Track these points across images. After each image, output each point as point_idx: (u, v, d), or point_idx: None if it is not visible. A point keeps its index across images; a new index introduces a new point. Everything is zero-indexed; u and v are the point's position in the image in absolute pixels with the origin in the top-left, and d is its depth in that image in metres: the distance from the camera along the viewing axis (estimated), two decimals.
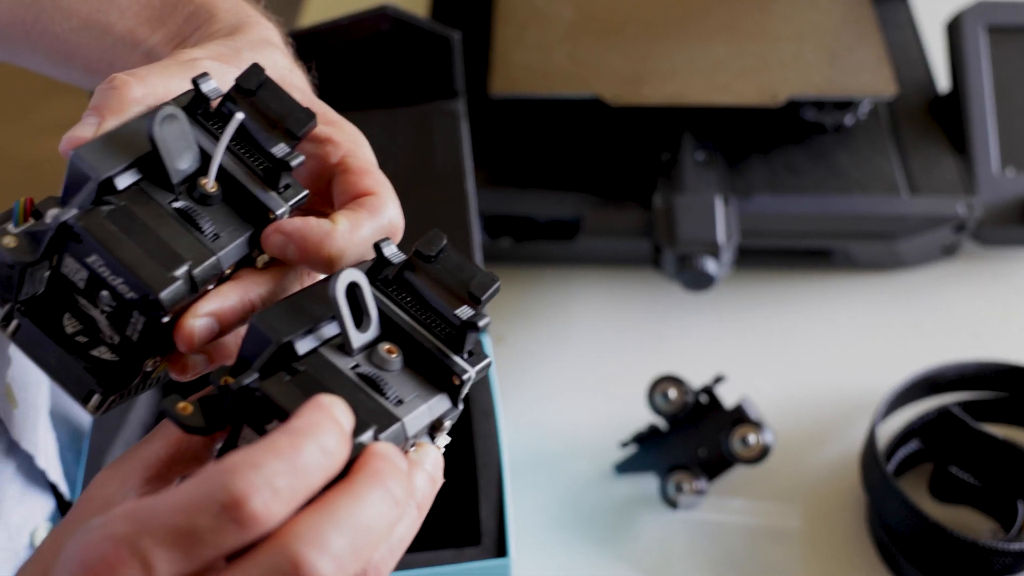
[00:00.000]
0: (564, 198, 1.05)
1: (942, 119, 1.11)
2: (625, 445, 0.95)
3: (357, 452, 0.46)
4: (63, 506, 0.87)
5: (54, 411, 0.88)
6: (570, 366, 1.04)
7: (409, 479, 0.49)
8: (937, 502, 0.93)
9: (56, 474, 0.83)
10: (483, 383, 0.87)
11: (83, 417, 0.94)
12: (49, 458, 0.82)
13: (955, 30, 1.12)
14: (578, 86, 1.05)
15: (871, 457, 0.89)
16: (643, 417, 0.95)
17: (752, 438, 0.89)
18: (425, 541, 0.82)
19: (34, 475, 0.80)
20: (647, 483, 0.95)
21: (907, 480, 0.94)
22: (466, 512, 0.83)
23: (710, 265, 0.97)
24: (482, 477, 0.83)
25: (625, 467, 0.95)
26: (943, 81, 1.15)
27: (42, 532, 0.82)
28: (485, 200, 1.02)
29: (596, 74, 1.06)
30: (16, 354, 0.77)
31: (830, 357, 1.04)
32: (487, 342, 0.92)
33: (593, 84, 1.05)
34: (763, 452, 0.90)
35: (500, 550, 0.79)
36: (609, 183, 1.06)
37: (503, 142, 1.09)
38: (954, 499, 0.92)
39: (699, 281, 0.98)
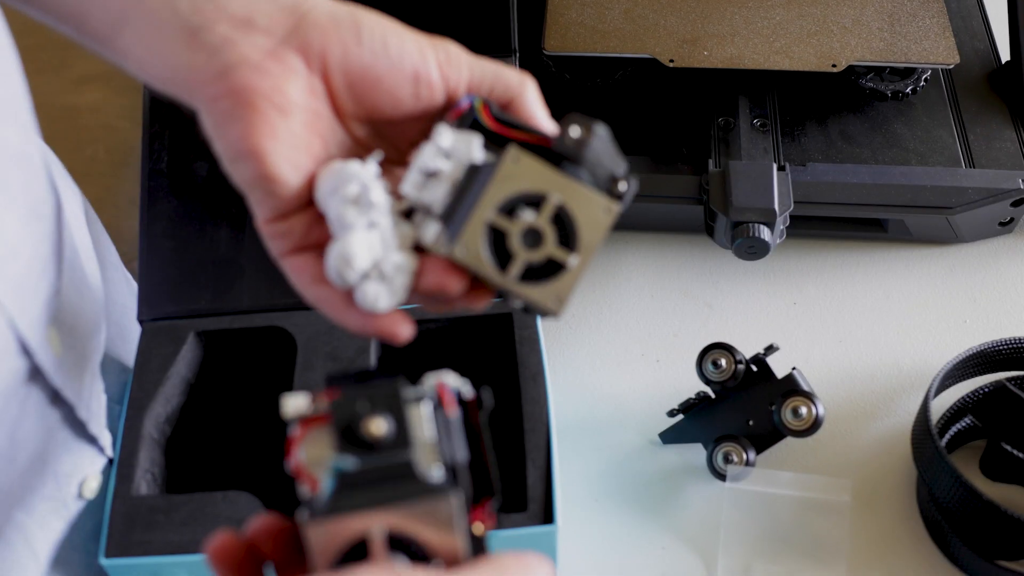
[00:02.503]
0: None
1: (1002, 90, 1.08)
2: (673, 414, 0.94)
3: None
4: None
5: (107, 360, 0.87)
6: (618, 332, 1.02)
7: None
8: (988, 479, 0.91)
9: (97, 426, 0.82)
10: (532, 345, 0.86)
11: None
12: (92, 410, 0.81)
13: None
14: (633, 47, 1.03)
15: (924, 432, 0.88)
16: (692, 386, 0.94)
17: (803, 410, 0.88)
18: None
19: (82, 426, 0.80)
20: (694, 453, 0.94)
21: (958, 456, 0.93)
22: (512, 477, 0.82)
23: (764, 233, 0.95)
24: (529, 442, 0.81)
25: (670, 436, 0.94)
26: (1004, 51, 1.12)
27: (92, 483, 0.82)
28: None
29: (652, 34, 1.04)
30: (68, 301, 0.76)
31: (883, 330, 1.02)
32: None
33: (649, 45, 1.03)
34: (814, 424, 0.88)
35: (547, 517, 0.78)
36: (662, 147, 1.04)
37: (554, 102, 1.07)
38: (1006, 477, 0.91)
39: (753, 250, 0.96)
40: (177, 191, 0.96)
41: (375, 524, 0.49)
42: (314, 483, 0.52)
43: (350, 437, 0.51)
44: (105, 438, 0.84)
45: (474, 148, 0.61)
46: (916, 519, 0.91)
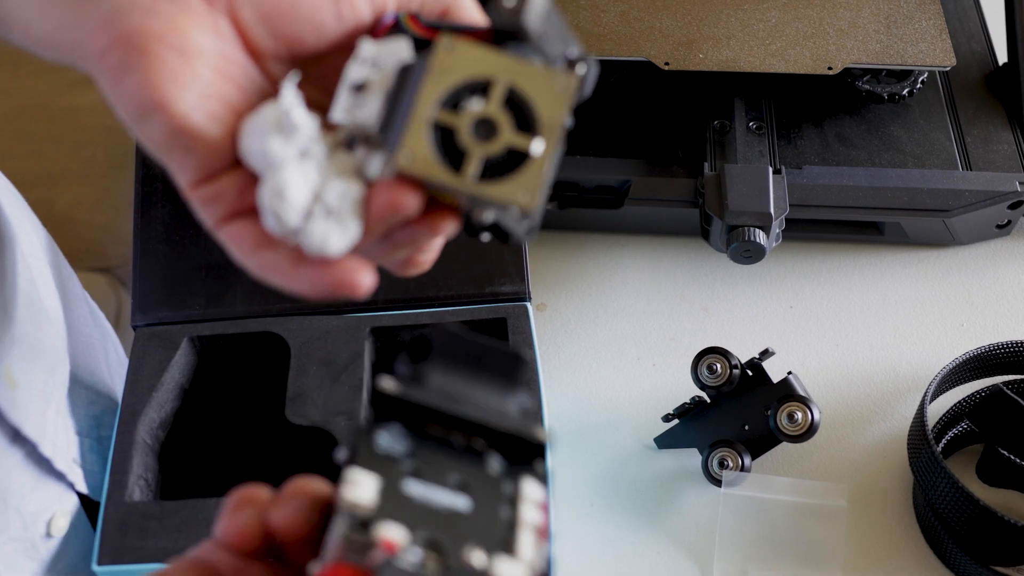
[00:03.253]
0: (611, 164, 1.03)
1: (1000, 92, 1.08)
2: (668, 419, 0.94)
3: None
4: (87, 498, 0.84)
5: (75, 393, 0.84)
6: (613, 336, 1.02)
7: None
8: (984, 484, 0.91)
9: (64, 463, 0.79)
10: (526, 351, 0.85)
11: (111, 392, 0.93)
12: (58, 446, 0.78)
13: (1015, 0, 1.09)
14: (629, 49, 1.03)
15: (920, 437, 0.88)
16: (687, 390, 0.93)
17: (799, 414, 0.88)
18: None
19: (47, 462, 0.77)
20: (690, 458, 0.93)
21: (955, 461, 0.93)
22: None
23: (760, 237, 0.95)
24: None
25: (666, 441, 0.94)
26: (1002, 53, 1.12)
27: (60, 521, 0.79)
28: None
29: (648, 37, 1.04)
30: (24, 335, 0.74)
31: (879, 333, 1.02)
32: (529, 309, 0.90)
33: (644, 48, 1.03)
34: (810, 429, 0.88)
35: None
36: (658, 150, 1.04)
37: None
38: (1002, 482, 0.91)
39: (748, 253, 0.96)
40: (171, 196, 0.96)
41: None
42: None
43: None
44: (74, 474, 0.81)
45: (403, 49, 0.54)
46: (913, 524, 0.90)
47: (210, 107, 0.51)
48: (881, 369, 0.99)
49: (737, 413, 0.91)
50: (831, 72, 1.01)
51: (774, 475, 0.92)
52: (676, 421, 0.93)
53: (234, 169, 0.53)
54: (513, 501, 0.46)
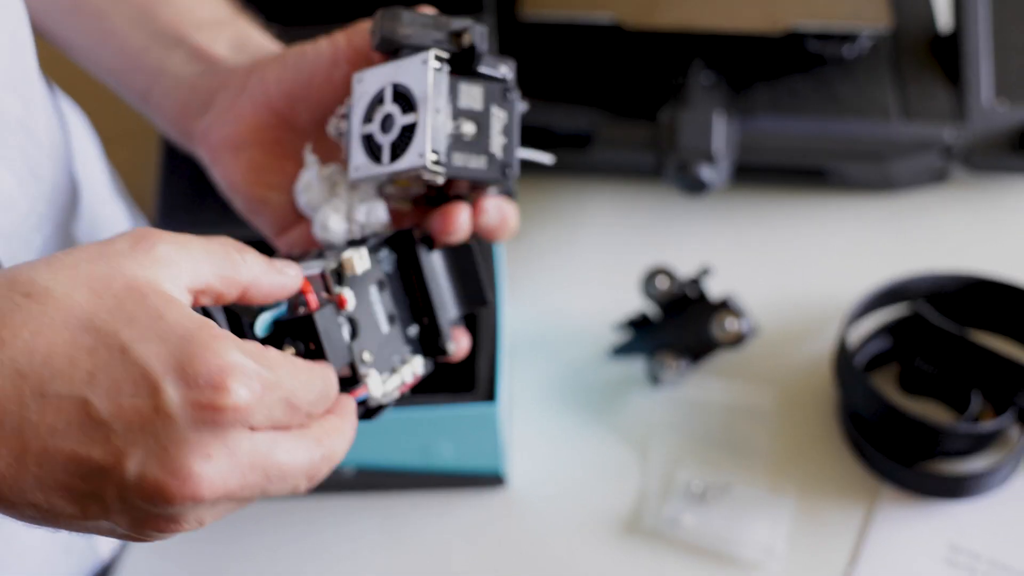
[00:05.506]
0: (580, 112, 1.14)
1: (941, 56, 1.17)
2: (620, 330, 1.04)
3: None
4: None
5: None
6: (575, 263, 1.13)
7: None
8: (905, 395, 1.01)
9: None
10: (485, 252, 0.95)
11: None
12: None
13: None
14: (599, 7, 1.14)
15: (841, 347, 0.97)
16: (639, 309, 1.04)
17: (732, 322, 0.98)
18: (428, 392, 0.91)
19: None
20: (637, 366, 1.04)
21: (878, 375, 1.02)
22: (464, 365, 0.92)
23: (705, 172, 1.06)
24: (481, 337, 0.92)
25: (621, 351, 1.04)
26: (945, 21, 1.21)
27: None
28: None
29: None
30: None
31: (817, 268, 1.11)
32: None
33: (611, 6, 1.14)
34: (741, 336, 0.98)
35: (490, 395, 0.89)
36: (622, 102, 1.15)
37: (527, 60, 1.18)
38: (920, 391, 1.00)
39: (694, 185, 1.07)
40: (193, 167, 1.05)
41: None
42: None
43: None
44: None
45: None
46: (835, 429, 1.00)
47: (269, 180, 0.73)
48: (816, 297, 1.08)
49: (681, 325, 1.01)
50: (774, 31, 1.11)
51: (711, 378, 1.02)
52: (627, 331, 1.03)
53: (301, 221, 0.74)
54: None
